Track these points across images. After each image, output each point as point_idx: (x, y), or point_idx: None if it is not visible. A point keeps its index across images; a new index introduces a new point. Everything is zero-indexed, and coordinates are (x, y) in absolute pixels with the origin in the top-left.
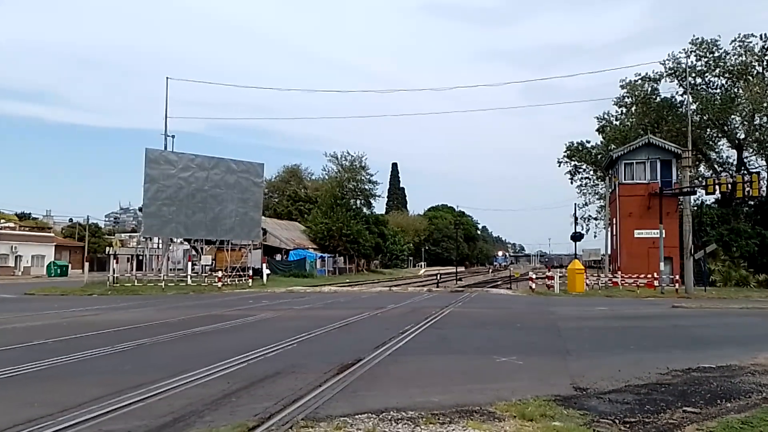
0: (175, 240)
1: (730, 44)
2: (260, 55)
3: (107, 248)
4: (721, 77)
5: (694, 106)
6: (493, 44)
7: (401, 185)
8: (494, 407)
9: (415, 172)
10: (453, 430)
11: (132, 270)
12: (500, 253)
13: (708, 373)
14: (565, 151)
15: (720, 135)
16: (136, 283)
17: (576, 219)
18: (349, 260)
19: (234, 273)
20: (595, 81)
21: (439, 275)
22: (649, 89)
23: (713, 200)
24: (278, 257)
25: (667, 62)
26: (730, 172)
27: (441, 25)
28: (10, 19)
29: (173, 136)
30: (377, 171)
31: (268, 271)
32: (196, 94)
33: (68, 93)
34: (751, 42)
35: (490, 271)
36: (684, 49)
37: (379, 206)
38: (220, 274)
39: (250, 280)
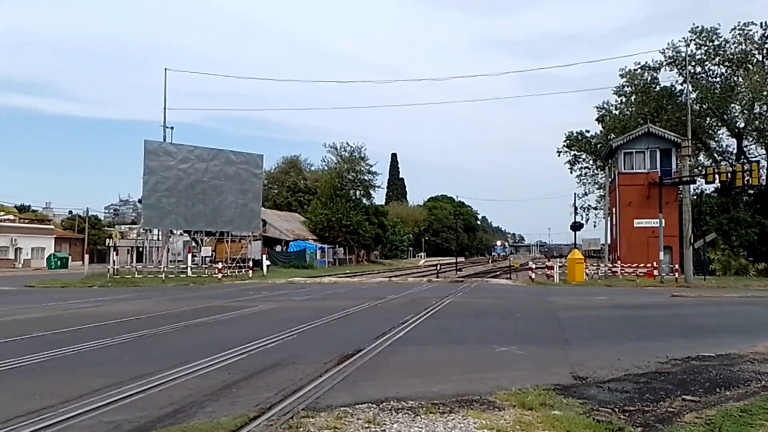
0: (174, 231)
1: (730, 32)
2: (258, 45)
3: (107, 240)
4: (720, 66)
5: (693, 95)
6: (491, 33)
7: (401, 176)
8: (494, 396)
9: (415, 162)
10: (453, 419)
11: (132, 262)
12: (498, 243)
13: (707, 361)
14: (565, 141)
15: (720, 124)
16: (136, 275)
17: (576, 209)
18: (348, 251)
19: (234, 264)
20: (594, 70)
21: (438, 266)
22: (649, 78)
23: (713, 189)
24: (278, 248)
25: (666, 51)
26: (730, 161)
27: (438, 14)
28: (8, 10)
29: (172, 128)
30: (377, 161)
31: (268, 263)
32: (195, 85)
33: (67, 84)
34: (750, 30)
35: (490, 261)
36: (684, 38)
37: (379, 197)
38: (220, 265)
39: (250, 272)
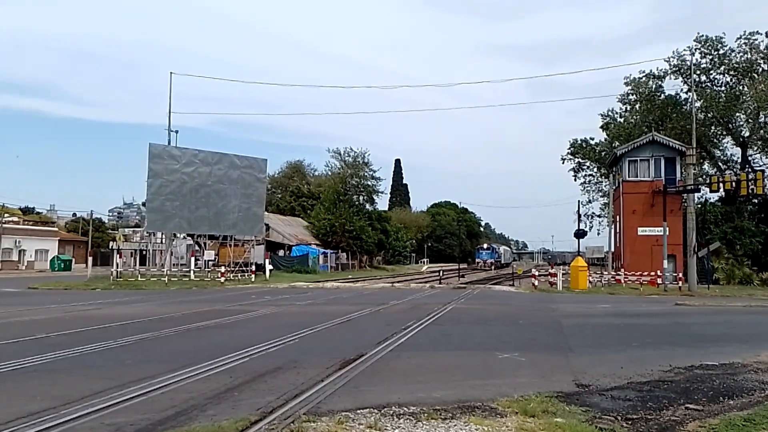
0: (178, 235)
1: (735, 42)
2: (263, 50)
3: (111, 243)
4: (725, 75)
5: (698, 104)
6: (497, 39)
7: (404, 181)
8: (496, 403)
9: (419, 168)
10: (455, 425)
11: (135, 265)
12: (485, 246)
13: (711, 370)
14: (569, 148)
15: (724, 133)
16: (139, 278)
17: (579, 216)
18: (351, 256)
19: (237, 268)
20: (600, 77)
21: (441, 272)
22: (654, 86)
23: (717, 198)
24: (281, 253)
25: (671, 59)
26: (734, 170)
27: (445, 20)
28: (13, 12)
29: (176, 131)
30: (380, 167)
31: (270, 267)
32: (200, 89)
33: (72, 87)
34: (756, 39)
35: (493, 268)
36: (689, 47)
37: (382, 202)
38: (222, 269)
39: (253, 276)
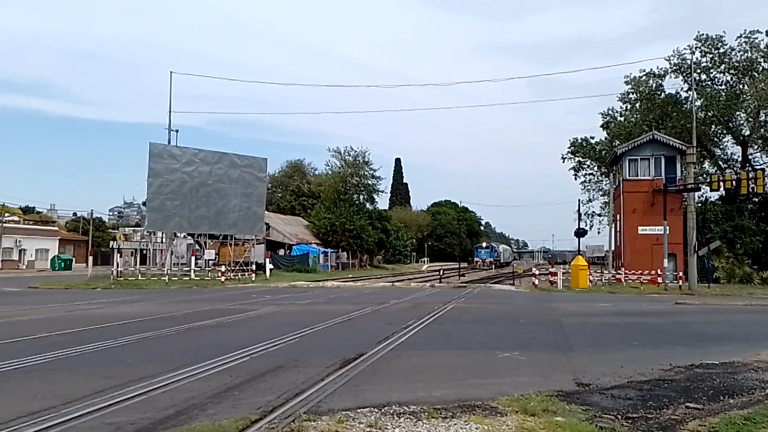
0: (178, 234)
1: (736, 40)
2: (263, 50)
3: (111, 242)
4: (726, 73)
5: (698, 103)
6: (497, 39)
7: (404, 180)
8: (496, 402)
9: (419, 167)
10: (455, 424)
11: (136, 264)
12: (484, 245)
13: (711, 369)
14: (570, 147)
15: (725, 131)
16: (139, 278)
17: (580, 215)
18: (352, 256)
19: (237, 268)
20: (600, 76)
21: (441, 271)
22: (654, 85)
23: (717, 197)
24: (281, 252)
25: (672, 58)
26: (735, 168)
27: (445, 20)
28: (13, 12)
29: (177, 131)
30: (381, 166)
31: (271, 266)
32: (200, 89)
33: (72, 86)
34: (756, 38)
35: (493, 267)
36: (689, 46)
37: (383, 202)
38: (223, 268)
39: (253, 275)
